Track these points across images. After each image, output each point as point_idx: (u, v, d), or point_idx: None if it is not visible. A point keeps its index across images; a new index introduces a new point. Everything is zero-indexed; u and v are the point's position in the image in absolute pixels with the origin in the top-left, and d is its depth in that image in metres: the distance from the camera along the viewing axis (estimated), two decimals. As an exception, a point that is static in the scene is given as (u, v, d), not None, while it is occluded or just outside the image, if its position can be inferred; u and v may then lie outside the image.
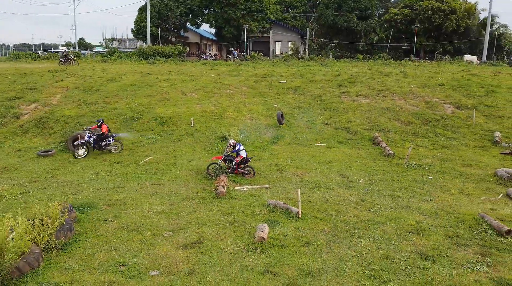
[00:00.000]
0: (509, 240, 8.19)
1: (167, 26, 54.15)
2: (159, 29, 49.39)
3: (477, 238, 8.37)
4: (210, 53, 57.63)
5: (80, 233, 8.42)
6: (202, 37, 63.69)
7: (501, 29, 48.55)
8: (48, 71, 27.72)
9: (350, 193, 11.27)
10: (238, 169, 12.82)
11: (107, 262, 7.29)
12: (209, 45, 68.00)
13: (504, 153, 15.39)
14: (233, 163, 12.74)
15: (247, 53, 56.93)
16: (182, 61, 41.87)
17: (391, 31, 49.32)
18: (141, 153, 15.93)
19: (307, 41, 53.74)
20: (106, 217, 9.30)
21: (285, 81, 26.08)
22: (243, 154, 12.82)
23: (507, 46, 48.86)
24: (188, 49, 50.70)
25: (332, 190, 11.52)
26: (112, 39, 53.34)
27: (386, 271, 7.08)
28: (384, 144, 16.26)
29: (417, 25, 46.43)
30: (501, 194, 11.19)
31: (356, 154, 15.58)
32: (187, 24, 56.23)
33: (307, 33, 53.50)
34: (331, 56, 46.87)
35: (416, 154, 15.35)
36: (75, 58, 36.53)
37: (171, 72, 29.33)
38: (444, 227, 8.97)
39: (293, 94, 23.76)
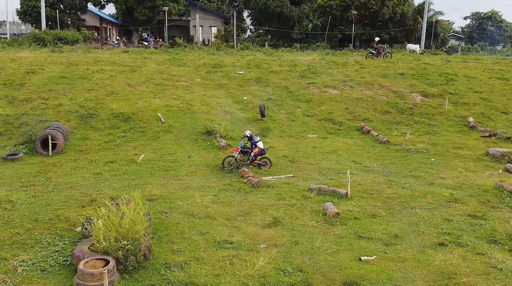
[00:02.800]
0: (530, 200, 11.77)
1: (62, 6, 52.91)
2: (56, 10, 48.23)
3: (505, 202, 11.82)
4: (118, 39, 57.43)
5: (154, 224, 9.99)
6: (102, 19, 62.96)
7: (436, 16, 56.67)
8: None
9: (374, 176, 14.21)
10: (255, 161, 14.99)
11: (211, 242, 9.11)
12: (110, 29, 67.35)
13: (484, 136, 19.84)
14: (252, 155, 14.88)
15: (163, 40, 58.02)
16: (94, 48, 41.89)
17: (328, 18, 54.52)
18: (125, 152, 17.15)
19: (234, 26, 56.62)
20: (162, 210, 10.90)
21: (242, 71, 28.54)
22: (260, 145, 15.04)
23: (441, 34, 57.15)
24: (96, 34, 50.27)
25: (356, 175, 14.35)
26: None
27: (454, 229, 10.02)
28: (374, 133, 19.71)
29: (354, 12, 52.14)
30: (501, 170, 15.07)
31: (353, 143, 18.73)
32: (88, 4, 55.42)
33: (234, 18, 56.39)
34: (266, 45, 50.38)
35: (408, 140, 18.93)
36: (389, 50, 35.53)
37: (98, 62, 30.02)
38: (473, 196, 12.31)
39: (257, 86, 26.32)
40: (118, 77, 26.42)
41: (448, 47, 56.82)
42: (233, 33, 57.37)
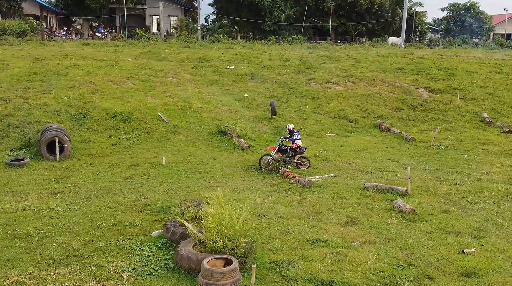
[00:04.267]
0: None
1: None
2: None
3: (561, 194, 13.38)
4: (65, 29, 56.49)
5: (231, 226, 10.67)
6: (42, 7, 61.75)
7: (414, 7, 59.67)
8: None
9: (419, 174, 15.47)
10: (293, 160, 15.87)
11: (302, 241, 9.92)
12: (50, 18, 66.11)
13: (504, 132, 21.75)
14: (289, 150, 15.74)
15: (116, 31, 57.67)
16: (47, 40, 41.40)
17: (301, 9, 56.15)
18: (141, 154, 17.57)
19: (199, 16, 57.16)
20: (228, 212, 11.58)
21: (233, 67, 29.34)
22: (299, 142, 15.94)
23: (420, 26, 60.20)
24: (44, 25, 49.36)
25: (399, 172, 15.57)
26: None
27: (530, 221, 11.37)
28: (396, 130, 21.17)
29: (331, 2, 54.07)
30: (537, 164, 16.82)
31: (378, 141, 20.03)
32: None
33: (199, 6, 56.96)
34: (238, 37, 51.30)
35: (431, 137, 20.43)
36: None
37: (67, 56, 30.05)
38: (528, 190, 13.80)
39: (253, 82, 27.23)
40: (96, 73, 26.56)
41: (428, 40, 59.90)
42: (197, 24, 57.91)
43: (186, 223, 9.83)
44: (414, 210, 11.63)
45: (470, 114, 24.77)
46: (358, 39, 55.37)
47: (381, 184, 13.68)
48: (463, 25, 65.20)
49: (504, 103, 26.49)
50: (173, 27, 60.87)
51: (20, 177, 14.87)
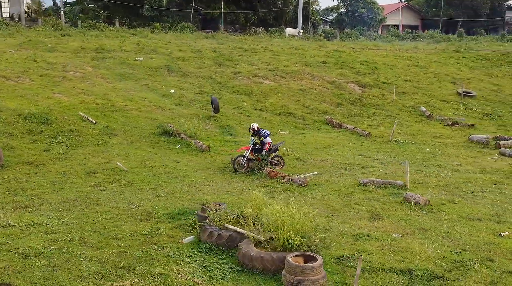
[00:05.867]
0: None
1: None
2: None
3: (542, 180, 16.23)
4: None
5: (263, 227, 11.66)
6: None
7: (308, -4, 63.56)
8: None
9: (398, 167, 17.54)
10: (269, 159, 17.07)
11: (347, 237, 11.22)
12: None
13: (448, 125, 24.93)
14: (264, 152, 16.89)
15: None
16: None
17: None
18: (86, 160, 17.55)
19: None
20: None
21: (142, 58, 29.75)
22: (269, 140, 17.14)
23: (313, 17, 64.29)
24: None
25: (379, 168, 17.56)
26: None
27: (533, 204, 13.84)
28: (349, 126, 23.49)
29: (221, -14, 55.83)
30: (496, 154, 19.82)
31: (337, 137, 22.03)
32: None
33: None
34: (117, 24, 50.91)
35: (383, 132, 22.86)
36: None
37: None
38: (509, 178, 16.44)
39: (172, 76, 28.01)
40: (-23, 66, 25.56)
41: (323, 31, 64.09)
42: (60, 8, 56.50)
43: (229, 226, 10.72)
44: (429, 201, 13.49)
45: (407, 108, 27.87)
46: (254, 29, 57.59)
47: (378, 179, 15.44)
48: (355, 16, 70.75)
49: (434, 96, 30.09)
50: (26, 12, 58.53)
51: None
